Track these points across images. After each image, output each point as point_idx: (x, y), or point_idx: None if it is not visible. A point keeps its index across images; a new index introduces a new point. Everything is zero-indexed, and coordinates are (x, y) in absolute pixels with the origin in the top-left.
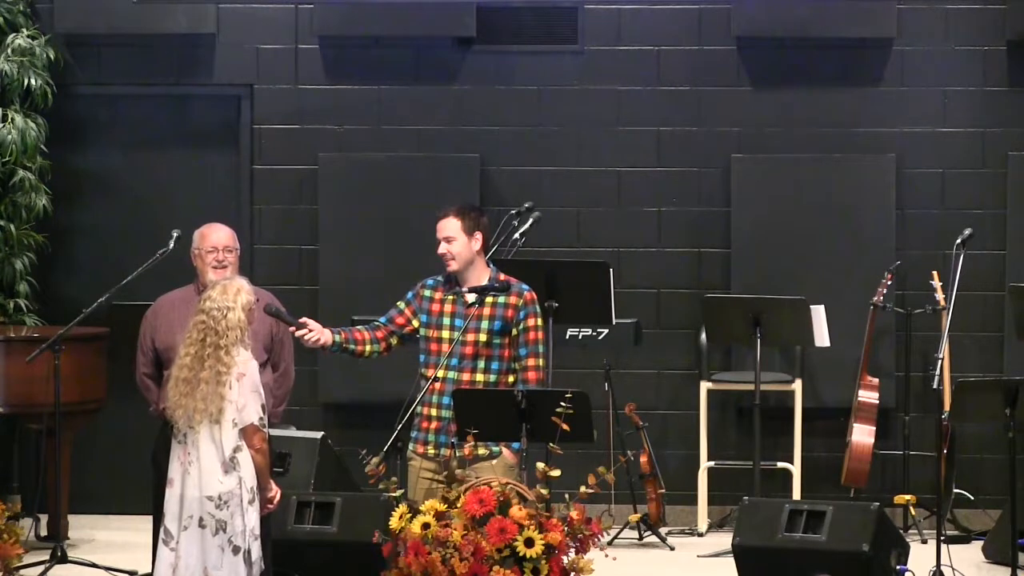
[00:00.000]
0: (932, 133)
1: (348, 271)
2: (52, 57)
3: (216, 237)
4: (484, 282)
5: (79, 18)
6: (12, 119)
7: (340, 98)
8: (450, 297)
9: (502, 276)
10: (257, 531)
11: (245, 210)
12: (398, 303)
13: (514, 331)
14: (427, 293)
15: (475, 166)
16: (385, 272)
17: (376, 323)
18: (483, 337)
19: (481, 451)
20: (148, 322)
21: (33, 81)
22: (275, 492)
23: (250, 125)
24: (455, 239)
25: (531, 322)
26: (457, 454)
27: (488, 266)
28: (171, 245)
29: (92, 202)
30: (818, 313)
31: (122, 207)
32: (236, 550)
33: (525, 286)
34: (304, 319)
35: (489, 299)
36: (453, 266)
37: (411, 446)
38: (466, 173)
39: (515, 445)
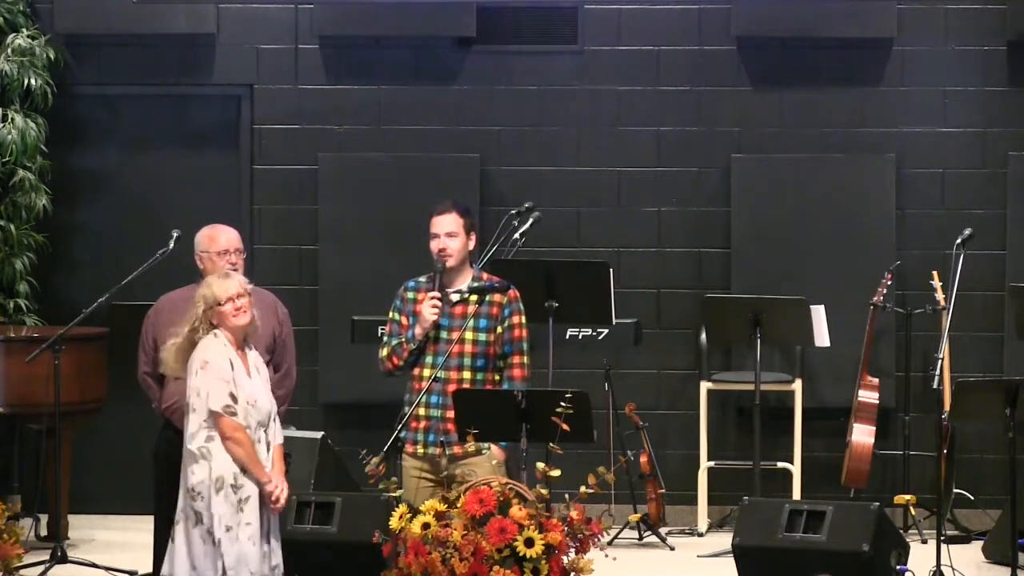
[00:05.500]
0: (932, 133)
1: (348, 271)
2: (52, 57)
3: (226, 239)
4: (468, 283)
5: (79, 18)
6: (12, 119)
7: (340, 98)
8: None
9: (484, 276)
10: (226, 521)
11: (245, 210)
12: (393, 315)
13: (499, 328)
14: (410, 295)
15: (475, 166)
16: (385, 272)
17: (394, 342)
18: (469, 335)
19: (470, 447)
20: (150, 321)
21: (33, 81)
22: (274, 486)
23: (250, 125)
24: (457, 235)
25: (515, 319)
26: (446, 452)
27: (471, 267)
28: (171, 245)
29: (92, 202)
30: (818, 313)
31: (122, 207)
32: (215, 541)
33: (509, 284)
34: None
35: (473, 297)
36: (451, 262)
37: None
38: (466, 173)
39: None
